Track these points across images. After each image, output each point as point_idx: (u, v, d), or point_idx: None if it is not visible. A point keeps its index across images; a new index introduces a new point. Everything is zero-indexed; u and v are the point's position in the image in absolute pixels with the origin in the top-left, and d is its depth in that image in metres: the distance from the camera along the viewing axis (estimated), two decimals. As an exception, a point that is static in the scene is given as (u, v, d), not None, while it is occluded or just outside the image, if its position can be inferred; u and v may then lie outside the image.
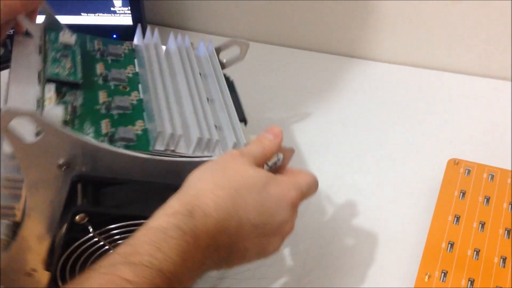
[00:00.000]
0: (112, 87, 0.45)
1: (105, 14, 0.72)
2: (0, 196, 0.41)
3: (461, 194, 0.56)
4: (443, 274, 0.49)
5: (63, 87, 0.43)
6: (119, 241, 0.39)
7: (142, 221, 0.36)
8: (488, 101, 0.73)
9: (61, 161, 0.38)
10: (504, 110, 0.71)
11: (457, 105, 0.72)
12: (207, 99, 0.47)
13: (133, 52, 0.50)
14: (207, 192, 0.36)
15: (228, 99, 0.47)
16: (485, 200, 0.55)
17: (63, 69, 0.43)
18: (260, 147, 0.42)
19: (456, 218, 0.54)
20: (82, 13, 0.72)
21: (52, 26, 0.48)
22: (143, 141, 0.41)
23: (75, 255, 0.39)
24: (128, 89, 0.45)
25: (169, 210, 0.35)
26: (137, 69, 0.47)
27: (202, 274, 0.36)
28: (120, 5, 0.71)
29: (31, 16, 0.47)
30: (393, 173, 0.64)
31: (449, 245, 0.52)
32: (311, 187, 0.43)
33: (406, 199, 0.60)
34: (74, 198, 0.39)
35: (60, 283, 0.41)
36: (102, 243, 0.39)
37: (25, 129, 0.37)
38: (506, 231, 0.53)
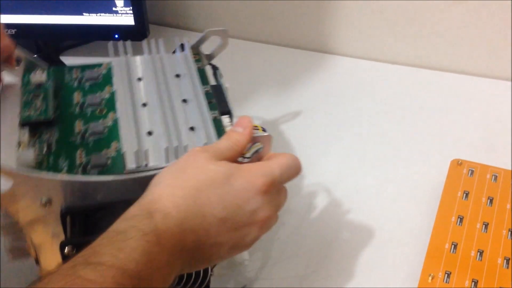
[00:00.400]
0: (89, 114, 0.45)
1: (107, 14, 0.72)
2: (10, 239, 0.42)
3: (464, 194, 0.55)
4: (446, 275, 0.49)
5: (39, 127, 0.43)
6: None
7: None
8: (491, 102, 0.72)
9: (43, 200, 0.39)
10: (507, 110, 0.71)
11: (460, 106, 0.72)
12: (184, 100, 0.46)
13: (111, 71, 0.49)
14: (165, 195, 0.36)
15: (200, 97, 0.46)
16: (489, 200, 0.55)
17: (34, 110, 0.44)
18: (227, 141, 0.41)
19: (459, 219, 0.53)
20: (84, 13, 0.72)
21: (30, 68, 0.48)
22: (117, 163, 0.41)
23: None
24: (104, 112, 0.45)
25: (128, 215, 0.35)
26: (113, 88, 0.47)
27: (175, 274, 0.35)
28: (122, 5, 0.71)
29: (9, 61, 0.47)
30: (396, 174, 0.63)
31: (453, 246, 0.51)
32: (288, 169, 0.41)
33: (409, 200, 0.60)
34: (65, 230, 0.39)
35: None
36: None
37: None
38: (510, 232, 0.52)
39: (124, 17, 0.72)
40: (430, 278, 0.48)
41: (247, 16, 0.84)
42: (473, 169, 0.57)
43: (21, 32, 0.73)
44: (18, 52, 0.48)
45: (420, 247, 0.52)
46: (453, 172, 0.57)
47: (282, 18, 0.82)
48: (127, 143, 0.41)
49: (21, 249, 0.42)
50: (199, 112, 0.45)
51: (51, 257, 0.41)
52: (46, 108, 0.44)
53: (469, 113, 0.70)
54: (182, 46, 0.52)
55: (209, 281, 0.44)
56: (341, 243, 0.56)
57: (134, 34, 0.74)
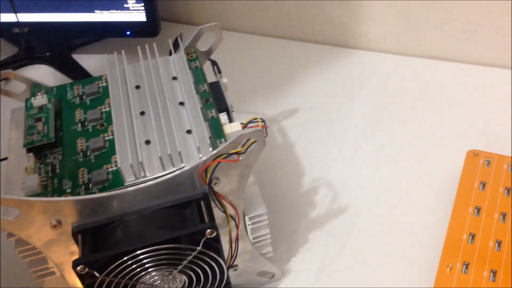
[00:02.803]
0: (91, 129, 0.46)
1: (118, 11, 0.73)
2: (32, 263, 0.44)
3: (481, 185, 0.54)
4: (464, 265, 0.48)
5: (43, 150, 0.44)
6: (132, 272, 0.40)
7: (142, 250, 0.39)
8: (507, 92, 0.69)
9: (53, 222, 0.40)
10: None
11: (475, 96, 0.69)
12: (181, 103, 0.46)
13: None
14: None
15: (195, 98, 0.46)
16: (506, 191, 0.53)
17: (37, 134, 0.45)
18: None
19: (476, 210, 0.52)
20: (95, 11, 0.73)
21: (35, 91, 0.50)
22: (118, 177, 0.41)
23: None
24: (105, 126, 0.46)
25: None
26: (111, 100, 0.47)
27: None
28: (134, 2, 0.72)
29: None
30: (412, 166, 0.62)
31: (470, 236, 0.50)
32: None
33: (425, 191, 0.59)
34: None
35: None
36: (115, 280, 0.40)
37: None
38: (528, 222, 0.50)
39: (136, 14, 0.72)
40: (448, 269, 0.48)
41: (259, 11, 0.82)
42: (490, 160, 0.56)
43: (34, 31, 0.74)
44: (21, 77, 0.50)
45: (438, 239, 0.52)
46: (469, 162, 0.56)
47: (295, 12, 0.79)
48: (122, 156, 0.41)
49: (44, 270, 0.44)
50: (193, 114, 0.45)
51: (75, 275, 0.43)
52: (47, 131, 0.45)
53: (486, 103, 0.68)
54: (176, 42, 0.52)
55: (228, 277, 0.44)
56: (358, 236, 0.56)
57: (146, 31, 0.74)
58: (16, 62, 0.81)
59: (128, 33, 0.74)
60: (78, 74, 0.78)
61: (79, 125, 0.46)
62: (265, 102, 0.70)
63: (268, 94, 0.72)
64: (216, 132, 0.44)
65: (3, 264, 0.49)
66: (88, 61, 0.80)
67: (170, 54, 0.51)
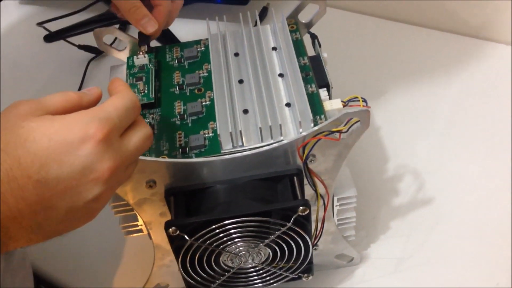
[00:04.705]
0: (188, 93, 0.46)
1: None
2: (122, 218, 0.45)
3: None
4: None
5: (142, 110, 0.44)
6: (219, 241, 0.40)
7: (232, 220, 0.38)
8: None
9: (148, 181, 0.40)
10: None
11: None
12: (281, 75, 0.45)
13: (208, 48, 0.49)
14: None
15: (297, 71, 0.44)
16: None
17: (138, 93, 0.45)
18: (61, 95, 0.35)
19: None
20: None
21: (135, 50, 0.50)
22: (214, 144, 0.41)
23: (188, 257, 0.41)
24: (202, 91, 0.46)
25: None
26: (211, 66, 0.47)
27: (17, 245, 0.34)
28: None
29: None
30: (505, 164, 0.58)
31: None
32: (126, 112, 0.35)
33: None
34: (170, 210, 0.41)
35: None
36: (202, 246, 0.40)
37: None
38: None
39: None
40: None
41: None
42: None
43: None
44: (124, 35, 0.50)
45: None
46: None
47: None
48: (222, 124, 0.41)
49: (133, 227, 0.45)
50: (295, 87, 0.43)
51: (161, 234, 0.43)
52: (148, 91, 0.45)
53: None
54: (263, 12, 0.50)
55: (311, 256, 0.44)
56: (441, 231, 0.54)
57: (237, -2, 0.73)
58: (105, 21, 0.82)
59: (218, 0, 0.73)
60: (165, 38, 0.79)
61: (177, 88, 0.46)
62: (355, 81, 0.68)
63: (359, 74, 0.70)
64: (316, 108, 0.43)
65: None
66: (176, 25, 0.80)
67: (256, 24, 0.50)
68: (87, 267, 0.56)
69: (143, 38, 0.49)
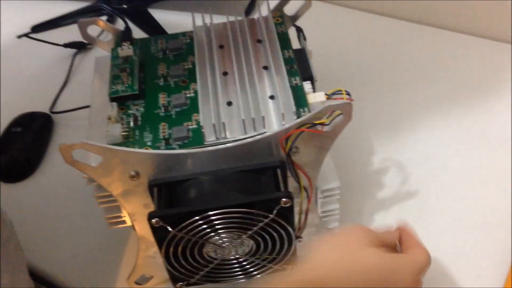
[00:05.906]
0: (172, 85, 0.46)
1: None
2: (104, 209, 0.45)
3: None
4: None
5: (126, 101, 0.45)
6: (202, 232, 0.40)
7: (215, 211, 0.39)
8: None
9: (131, 173, 0.40)
10: None
11: None
12: (265, 67, 0.45)
13: (193, 41, 0.49)
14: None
15: (281, 64, 0.45)
16: None
17: (122, 84, 0.45)
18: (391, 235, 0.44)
19: None
20: None
21: (119, 41, 0.50)
22: (198, 135, 0.41)
23: (171, 249, 0.41)
24: (187, 82, 0.46)
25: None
26: (195, 58, 0.47)
27: None
28: None
29: None
30: (491, 157, 0.58)
31: None
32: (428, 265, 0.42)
33: (502, 186, 0.55)
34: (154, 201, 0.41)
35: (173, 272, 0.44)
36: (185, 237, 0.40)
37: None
38: None
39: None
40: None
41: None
42: None
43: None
44: (109, 26, 0.50)
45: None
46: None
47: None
48: (205, 116, 0.41)
49: (117, 218, 0.45)
50: (279, 79, 0.44)
51: (145, 225, 0.43)
52: (132, 82, 0.45)
53: None
54: (251, 5, 0.50)
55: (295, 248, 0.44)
56: (426, 223, 0.53)
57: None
58: (92, 12, 0.82)
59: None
60: (152, 29, 0.78)
61: (161, 79, 0.46)
62: (340, 75, 0.68)
63: (345, 67, 0.70)
64: (300, 100, 0.43)
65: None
66: (163, 16, 0.79)
67: (246, 15, 0.50)
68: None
69: (126, 35, 0.49)
